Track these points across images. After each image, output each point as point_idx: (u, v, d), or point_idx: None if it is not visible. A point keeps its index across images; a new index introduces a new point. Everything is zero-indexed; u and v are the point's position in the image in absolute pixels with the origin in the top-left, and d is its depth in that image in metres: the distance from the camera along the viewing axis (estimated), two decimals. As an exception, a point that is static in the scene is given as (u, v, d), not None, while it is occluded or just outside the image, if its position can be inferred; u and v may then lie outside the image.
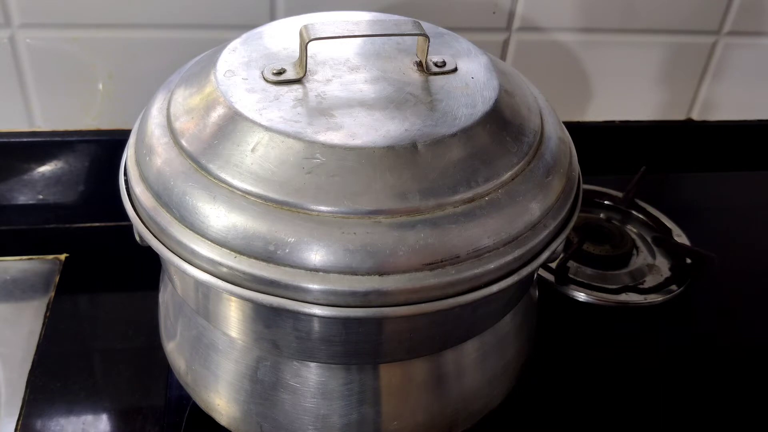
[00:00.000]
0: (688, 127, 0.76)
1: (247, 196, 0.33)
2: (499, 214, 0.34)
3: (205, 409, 0.42)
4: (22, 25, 0.58)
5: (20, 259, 0.60)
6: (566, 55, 0.67)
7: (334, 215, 0.32)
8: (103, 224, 0.64)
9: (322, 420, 0.38)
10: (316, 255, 0.32)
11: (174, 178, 0.35)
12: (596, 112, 0.73)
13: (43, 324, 0.54)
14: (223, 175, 0.34)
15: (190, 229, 0.34)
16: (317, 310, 0.32)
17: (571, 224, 0.38)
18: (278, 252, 0.32)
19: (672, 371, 0.55)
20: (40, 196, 0.65)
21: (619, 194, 0.70)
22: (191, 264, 0.34)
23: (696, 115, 0.75)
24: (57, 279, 0.58)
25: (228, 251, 0.33)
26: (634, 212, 0.69)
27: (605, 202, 0.69)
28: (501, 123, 0.37)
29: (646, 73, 0.70)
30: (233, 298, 0.36)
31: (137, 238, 0.38)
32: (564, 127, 0.41)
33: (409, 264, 0.32)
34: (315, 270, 0.32)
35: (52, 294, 0.57)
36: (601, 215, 0.69)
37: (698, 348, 0.57)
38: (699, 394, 0.53)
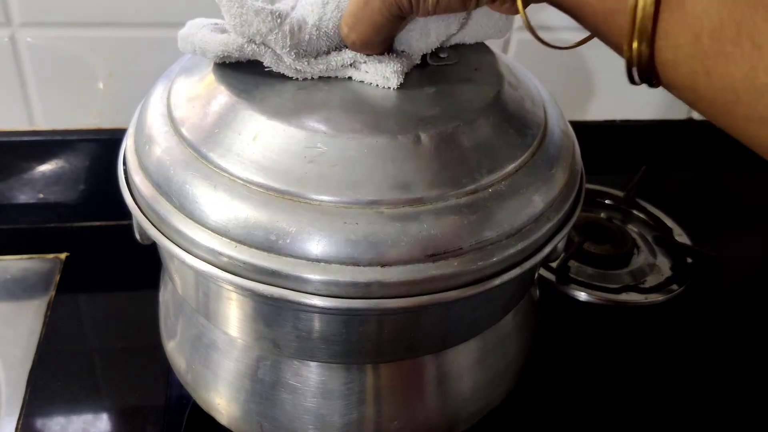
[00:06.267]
0: (689, 126, 0.75)
1: (248, 185, 0.33)
2: (502, 207, 0.34)
3: (206, 408, 0.42)
4: (22, 24, 0.57)
5: (21, 258, 0.60)
6: (567, 53, 0.67)
7: (335, 205, 0.32)
8: (103, 223, 0.64)
9: (322, 419, 0.38)
10: (318, 245, 0.31)
11: (174, 167, 0.34)
12: (597, 111, 0.73)
13: (44, 323, 0.54)
14: (224, 164, 0.33)
15: (190, 219, 0.33)
16: (318, 301, 0.32)
17: (574, 217, 0.38)
18: (279, 242, 0.32)
19: (672, 371, 0.55)
20: (41, 195, 0.65)
21: (620, 193, 0.70)
22: (191, 254, 0.33)
23: (697, 115, 0.75)
24: (57, 278, 0.58)
25: (228, 241, 0.32)
26: (635, 211, 0.69)
27: (606, 201, 0.69)
28: (505, 115, 0.37)
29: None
30: (234, 297, 0.36)
31: (137, 235, 0.38)
32: (567, 121, 0.41)
33: (411, 255, 0.32)
34: (316, 260, 0.31)
35: (53, 293, 0.57)
36: (602, 214, 0.69)
37: (699, 348, 0.57)
38: (699, 393, 0.53)
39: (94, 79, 0.61)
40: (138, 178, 0.36)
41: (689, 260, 0.63)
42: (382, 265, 0.31)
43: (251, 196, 0.32)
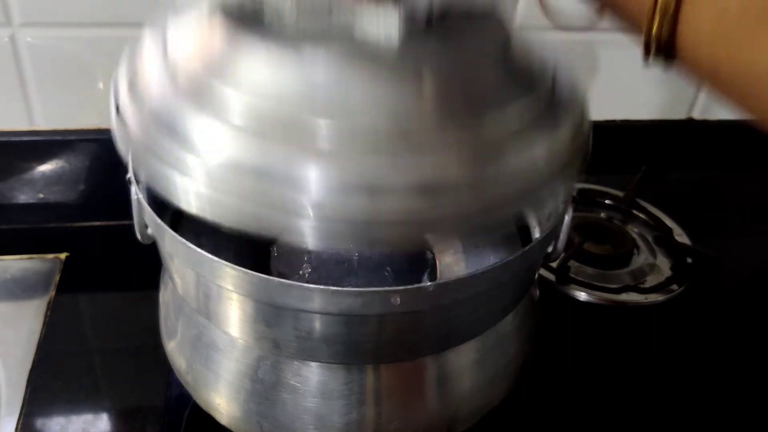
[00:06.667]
0: (689, 126, 0.75)
1: (243, 124, 0.31)
2: (504, 151, 0.33)
3: (206, 408, 0.42)
4: (22, 24, 0.57)
5: (20, 258, 0.60)
6: (567, 53, 0.67)
7: (333, 143, 0.31)
8: (103, 223, 0.64)
9: (322, 419, 0.38)
10: (314, 183, 0.30)
11: (168, 106, 0.33)
12: (597, 111, 0.73)
13: (44, 323, 0.54)
14: (219, 102, 0.32)
15: (183, 162, 0.32)
16: (318, 304, 0.32)
17: (578, 174, 0.37)
18: (274, 179, 0.30)
19: (672, 371, 0.55)
20: (41, 195, 0.65)
21: (620, 193, 0.70)
22: (182, 200, 0.32)
23: (697, 114, 0.75)
24: (57, 278, 0.58)
25: (222, 183, 0.31)
26: (635, 212, 0.69)
27: (606, 201, 0.69)
28: (512, 66, 0.36)
29: (647, 71, 0.70)
30: (234, 297, 0.36)
31: (137, 234, 0.38)
32: (577, 75, 0.41)
33: (407, 193, 0.30)
34: (312, 199, 0.30)
35: (53, 293, 0.57)
36: (602, 215, 0.69)
37: (699, 348, 0.57)
38: (699, 393, 0.53)
39: (94, 79, 0.61)
40: (130, 116, 0.34)
41: (689, 260, 0.63)
42: (377, 203, 0.30)
43: (246, 139, 0.31)
